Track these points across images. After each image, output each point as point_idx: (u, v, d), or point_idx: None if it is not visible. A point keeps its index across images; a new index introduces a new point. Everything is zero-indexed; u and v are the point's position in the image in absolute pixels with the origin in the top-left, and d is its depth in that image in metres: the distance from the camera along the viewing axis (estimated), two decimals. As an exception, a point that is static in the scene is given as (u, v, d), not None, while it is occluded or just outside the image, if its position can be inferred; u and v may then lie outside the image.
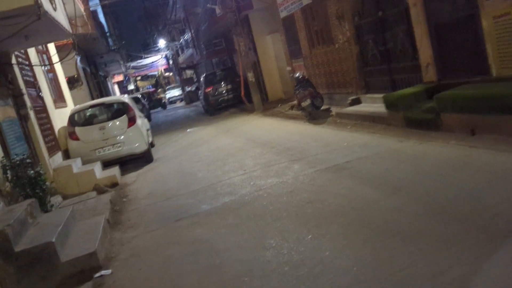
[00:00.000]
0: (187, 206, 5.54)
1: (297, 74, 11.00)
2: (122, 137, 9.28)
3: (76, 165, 8.22)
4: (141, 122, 10.07)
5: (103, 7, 26.73)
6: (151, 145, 11.63)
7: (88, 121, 9.58)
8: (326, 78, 11.37)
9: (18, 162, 5.16)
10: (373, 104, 8.99)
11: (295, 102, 13.10)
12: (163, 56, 40.70)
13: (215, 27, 17.91)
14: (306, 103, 10.02)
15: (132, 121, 9.48)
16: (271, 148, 7.93)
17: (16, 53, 7.62)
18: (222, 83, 18.23)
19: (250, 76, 14.36)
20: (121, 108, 9.75)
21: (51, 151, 8.11)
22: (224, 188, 5.92)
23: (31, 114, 7.48)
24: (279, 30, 13.76)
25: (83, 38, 15.55)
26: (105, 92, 22.05)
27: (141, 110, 12.81)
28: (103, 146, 9.17)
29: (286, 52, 13.75)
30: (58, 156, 8.53)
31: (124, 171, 9.33)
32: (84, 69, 17.57)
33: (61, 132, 9.30)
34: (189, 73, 43.28)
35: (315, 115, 10.18)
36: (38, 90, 8.48)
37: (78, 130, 9.20)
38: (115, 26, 41.57)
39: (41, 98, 8.54)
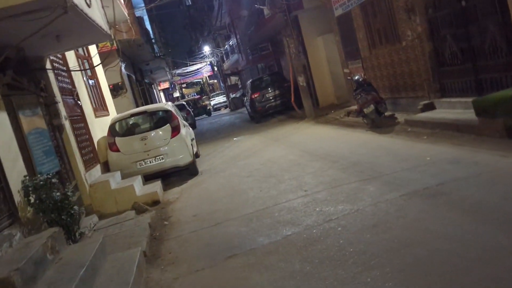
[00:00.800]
0: (239, 237, 4.53)
1: (357, 77, 9.79)
2: (165, 148, 8.47)
3: (115, 179, 7.46)
4: (186, 131, 9.24)
5: (149, 13, 26.64)
6: (196, 155, 10.80)
7: (129, 131, 8.86)
8: (389, 81, 10.09)
9: (42, 182, 4.35)
10: (452, 110, 7.65)
11: (352, 108, 11.89)
12: (208, 63, 40.45)
13: (263, 30, 17.00)
14: (370, 109, 8.80)
15: (176, 130, 8.66)
16: (333, 163, 6.79)
17: (52, 57, 6.97)
18: (269, 88, 17.28)
19: (301, 80, 13.28)
20: (164, 116, 8.97)
21: (88, 164, 7.39)
22: (283, 214, 4.86)
23: (67, 124, 6.78)
24: (333, 30, 12.61)
25: (127, 44, 15.13)
26: (150, 99, 21.71)
27: (186, 118, 12.04)
28: (145, 158, 8.39)
29: (341, 53, 12.56)
30: (97, 169, 7.81)
31: (166, 185, 8.52)
32: (129, 76, 17.19)
33: (101, 142, 8.63)
34: (233, 79, 42.86)
35: (378, 122, 8.94)
36: (76, 98, 7.82)
37: (118, 140, 8.48)
38: (161, 34, 41.91)
39: (79, 107, 7.88)
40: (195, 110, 31.57)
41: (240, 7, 20.20)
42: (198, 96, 43.64)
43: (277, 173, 7.07)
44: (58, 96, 6.68)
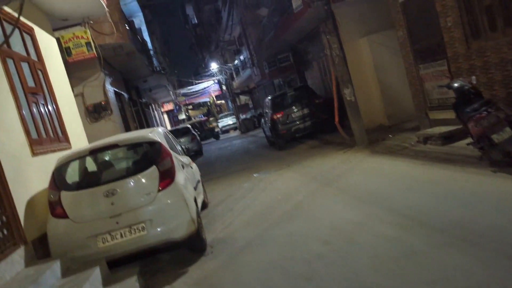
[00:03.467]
0: None
1: (457, 84, 6.03)
2: (149, 209, 4.71)
3: (39, 288, 3.70)
4: (185, 176, 5.48)
5: (148, 25, 23.39)
6: (203, 206, 7.05)
7: (87, 180, 5.15)
8: (507, 89, 6.36)
9: None
10: None
11: (427, 131, 8.11)
12: (215, 81, 37.08)
13: (287, 32, 13.43)
14: (506, 134, 5.04)
15: (167, 177, 4.91)
16: (501, 265, 2.99)
17: None
18: (294, 107, 13.64)
19: (348, 93, 9.59)
20: (148, 152, 5.26)
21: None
22: None
23: None
24: (396, 21, 8.93)
25: (112, 52, 11.63)
26: (146, 123, 18.10)
27: (186, 149, 8.26)
28: (112, 229, 4.64)
29: (407, 54, 8.86)
30: (11, 260, 4.06)
31: (149, 276, 4.77)
32: (118, 94, 13.65)
33: (38, 201, 4.93)
34: (243, 99, 39.44)
35: (517, 158, 5.18)
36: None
37: (66, 197, 4.74)
38: (165, 52, 38.77)
39: (-17, 141, 4.21)
40: (202, 133, 28.14)
41: (257, 7, 16.71)
42: (205, 118, 40.26)
43: (376, 281, 3.27)
44: None
